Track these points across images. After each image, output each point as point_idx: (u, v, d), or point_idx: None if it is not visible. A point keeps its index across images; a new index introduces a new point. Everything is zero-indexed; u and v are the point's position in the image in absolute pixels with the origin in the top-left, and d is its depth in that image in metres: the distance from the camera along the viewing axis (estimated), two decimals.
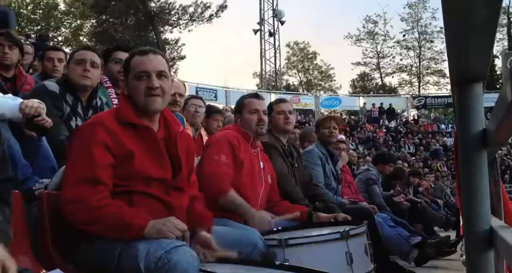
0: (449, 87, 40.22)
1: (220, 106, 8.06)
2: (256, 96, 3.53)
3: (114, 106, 3.61)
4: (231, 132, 3.28)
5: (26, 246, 2.15)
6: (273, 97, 30.61)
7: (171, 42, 36.90)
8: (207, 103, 5.53)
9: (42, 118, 2.68)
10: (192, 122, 4.73)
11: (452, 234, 6.82)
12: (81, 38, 35.17)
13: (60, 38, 34.70)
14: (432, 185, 14.31)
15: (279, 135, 3.86)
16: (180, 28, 35.88)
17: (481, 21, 0.83)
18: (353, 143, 24.26)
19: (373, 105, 31.86)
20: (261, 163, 3.34)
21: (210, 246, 2.26)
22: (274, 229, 3.10)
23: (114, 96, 3.82)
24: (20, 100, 2.71)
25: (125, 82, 2.36)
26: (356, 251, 2.80)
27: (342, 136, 6.25)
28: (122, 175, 2.18)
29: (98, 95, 3.42)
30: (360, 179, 6.80)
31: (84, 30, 35.81)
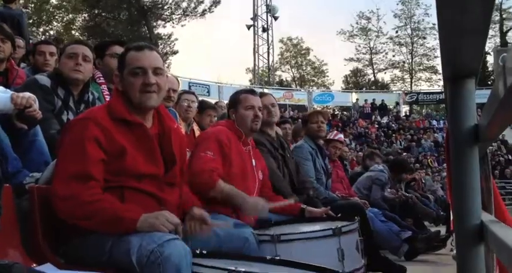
0: (441, 83, 40.39)
1: (213, 101, 8.05)
2: (251, 91, 3.50)
3: (107, 102, 3.58)
4: (221, 129, 3.25)
5: (16, 240, 2.14)
6: (266, 92, 30.61)
7: (163, 37, 36.78)
8: (200, 98, 5.52)
9: (33, 109, 2.66)
10: (185, 117, 4.72)
11: (443, 230, 6.86)
12: (73, 32, 34.96)
13: (52, 32, 34.47)
14: (423, 181, 14.38)
15: (265, 129, 3.86)
16: (173, 23, 35.79)
17: (474, 17, 0.83)
18: (345, 139, 24.33)
19: (366, 100, 31.94)
20: (253, 160, 3.32)
21: (205, 221, 2.31)
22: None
23: (107, 92, 3.78)
24: (11, 92, 2.70)
25: (119, 77, 2.34)
26: (347, 248, 2.81)
27: (341, 136, 6.24)
28: (113, 171, 2.17)
29: (89, 89, 3.41)
30: (369, 176, 6.78)
31: (76, 24, 35.61)
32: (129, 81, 2.28)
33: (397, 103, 33.06)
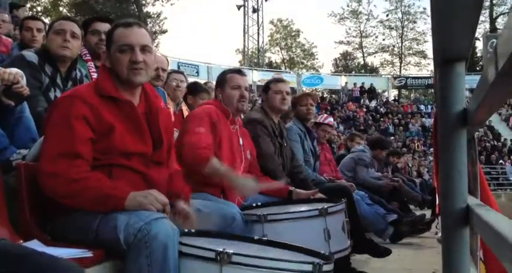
0: (430, 68, 40.64)
1: (202, 81, 8.00)
2: (238, 71, 3.47)
3: (94, 79, 3.55)
4: (211, 107, 3.23)
5: (3, 217, 2.13)
6: (255, 74, 30.57)
7: (153, 15, 36.41)
8: (189, 79, 5.48)
9: (21, 85, 2.62)
10: (174, 96, 4.70)
11: (428, 213, 6.94)
12: (60, 8, 34.44)
13: (39, 8, 33.94)
14: (410, 165, 14.50)
15: (271, 114, 3.90)
16: (163, 1, 35.37)
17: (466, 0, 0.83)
18: (334, 122, 24.38)
19: (355, 84, 31.99)
20: (240, 139, 3.33)
21: (187, 217, 2.26)
22: (254, 205, 3.12)
23: (94, 69, 3.74)
24: None
25: (107, 54, 2.32)
26: (334, 228, 2.84)
27: (331, 119, 6.23)
28: (101, 150, 2.16)
29: (77, 66, 3.37)
30: (351, 158, 6.81)
31: (64, 0, 35.03)
32: (116, 57, 2.26)
33: (373, 90, 32.73)
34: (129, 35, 2.27)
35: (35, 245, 1.93)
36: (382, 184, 6.86)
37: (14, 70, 2.65)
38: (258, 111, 3.99)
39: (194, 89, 5.03)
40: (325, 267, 1.96)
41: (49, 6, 34.36)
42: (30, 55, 3.13)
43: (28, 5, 31.72)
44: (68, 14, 29.09)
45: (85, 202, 2.04)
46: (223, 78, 3.38)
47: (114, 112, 2.21)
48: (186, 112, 4.75)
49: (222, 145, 3.10)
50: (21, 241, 2.03)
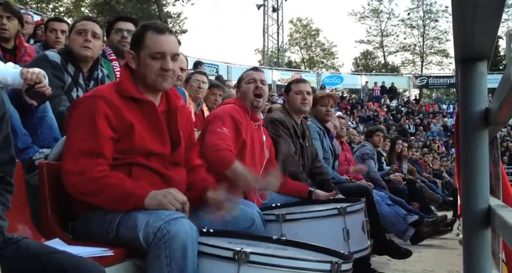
0: (452, 67, 40.09)
1: None
2: (253, 68, 3.56)
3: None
4: (233, 106, 3.27)
5: (25, 215, 2.16)
6: (275, 73, 30.55)
7: (173, 15, 36.59)
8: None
9: (43, 85, 2.66)
10: (195, 97, 4.73)
11: (449, 214, 6.86)
12: (82, 9, 34.82)
13: (61, 9, 34.37)
14: (431, 165, 14.34)
15: (293, 114, 3.90)
16: (183, 1, 35.53)
17: None
18: (353, 122, 24.25)
19: (375, 83, 31.74)
20: (263, 136, 3.35)
21: (219, 207, 2.29)
22: (273, 205, 3.11)
23: (118, 68, 3.77)
24: (20, 68, 2.70)
25: (133, 55, 2.31)
26: (353, 228, 2.83)
27: (340, 113, 6.22)
28: (121, 149, 2.18)
29: (99, 66, 3.40)
30: (357, 156, 6.81)
31: (86, 1, 35.42)
32: (146, 62, 2.27)
33: (394, 90, 32.33)
34: (163, 43, 2.27)
35: (56, 243, 1.96)
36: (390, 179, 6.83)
37: (37, 70, 2.69)
38: (280, 111, 4.00)
39: None
40: (344, 267, 1.95)
41: (71, 7, 34.76)
42: (53, 55, 3.17)
43: (51, 6, 32.21)
44: (90, 15, 29.39)
45: (106, 200, 2.07)
46: (240, 76, 3.47)
47: (135, 112, 2.23)
48: (206, 113, 4.77)
49: (244, 142, 3.11)
50: (43, 240, 2.06)
